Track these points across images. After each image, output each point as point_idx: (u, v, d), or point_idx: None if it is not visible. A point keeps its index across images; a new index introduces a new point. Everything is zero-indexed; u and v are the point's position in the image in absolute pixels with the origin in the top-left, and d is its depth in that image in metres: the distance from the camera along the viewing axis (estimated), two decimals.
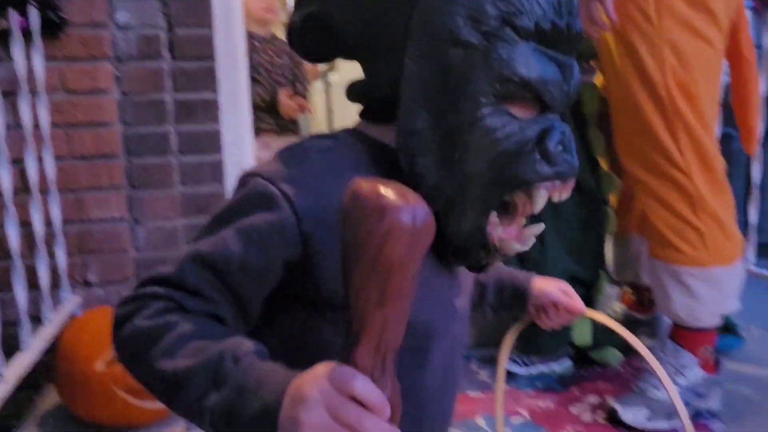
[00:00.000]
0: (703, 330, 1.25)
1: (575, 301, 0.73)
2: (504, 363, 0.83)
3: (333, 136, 0.55)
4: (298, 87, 2.36)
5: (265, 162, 0.53)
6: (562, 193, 0.52)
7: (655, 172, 1.21)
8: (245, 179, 0.50)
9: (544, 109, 0.50)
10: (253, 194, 0.49)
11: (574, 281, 1.46)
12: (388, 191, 0.35)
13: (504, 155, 0.49)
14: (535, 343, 1.46)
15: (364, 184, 0.36)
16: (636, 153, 1.23)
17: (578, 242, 1.47)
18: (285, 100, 2.19)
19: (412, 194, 0.36)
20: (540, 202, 0.52)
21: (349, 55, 0.56)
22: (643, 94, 1.18)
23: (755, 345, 1.63)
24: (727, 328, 1.62)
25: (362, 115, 0.56)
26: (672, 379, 1.24)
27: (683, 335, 1.27)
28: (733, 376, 1.46)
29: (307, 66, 2.51)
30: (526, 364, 1.45)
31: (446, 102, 0.49)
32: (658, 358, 1.27)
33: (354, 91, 0.55)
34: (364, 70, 0.55)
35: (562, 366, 1.47)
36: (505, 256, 0.56)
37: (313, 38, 0.56)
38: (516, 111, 0.49)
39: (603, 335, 1.62)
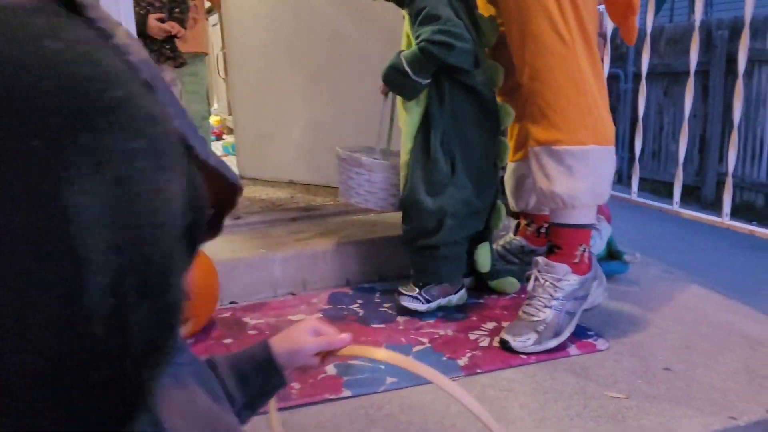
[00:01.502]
0: (579, 227, 1.33)
1: (332, 336, 0.66)
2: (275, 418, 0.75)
3: None
4: (176, 12, 2.32)
5: None
6: None
7: (542, 48, 1.26)
8: None
9: None
10: None
11: (472, 210, 1.49)
12: None
13: None
14: (436, 272, 1.48)
15: None
16: (525, 34, 1.28)
17: (482, 172, 1.50)
18: (153, 22, 2.16)
19: None
20: None
21: None
22: None
23: (637, 268, 1.75)
24: (613, 255, 1.74)
25: None
26: (550, 294, 1.30)
27: (562, 234, 1.33)
28: (617, 296, 1.57)
29: None
30: (427, 300, 1.47)
31: None
32: (535, 279, 1.34)
33: None
34: None
35: (459, 296, 1.51)
36: None
37: None
38: None
39: (500, 265, 1.69)
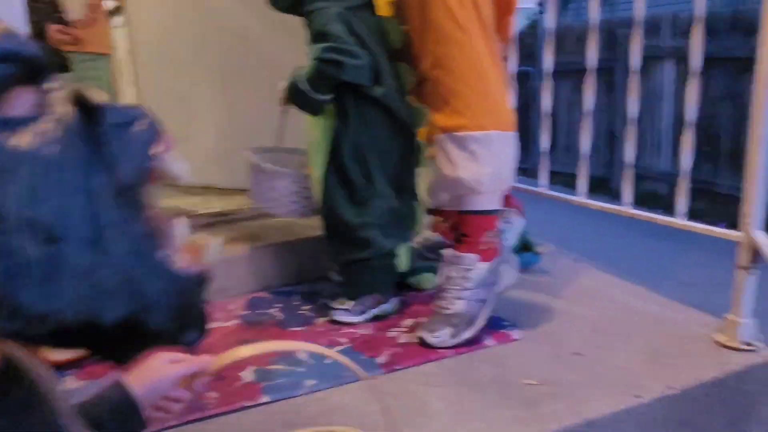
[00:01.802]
0: (485, 213, 1.35)
1: (192, 359, 0.64)
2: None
3: None
4: (63, 17, 2.24)
5: None
6: None
7: (442, 36, 1.29)
8: None
9: None
10: None
11: (396, 216, 1.50)
12: None
13: None
14: (369, 284, 1.47)
15: None
16: (425, 23, 1.31)
17: (399, 176, 1.50)
18: (54, 33, 2.08)
19: None
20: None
21: None
22: None
23: (548, 259, 1.81)
24: (526, 247, 1.79)
25: None
26: (460, 286, 1.33)
27: (468, 221, 1.36)
28: (531, 287, 1.62)
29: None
30: (361, 312, 1.45)
31: None
32: (445, 272, 1.35)
33: None
34: None
35: (392, 305, 1.50)
36: None
37: None
38: None
39: (418, 262, 1.70)
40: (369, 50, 1.41)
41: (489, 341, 1.33)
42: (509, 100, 1.37)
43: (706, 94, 4.66)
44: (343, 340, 1.36)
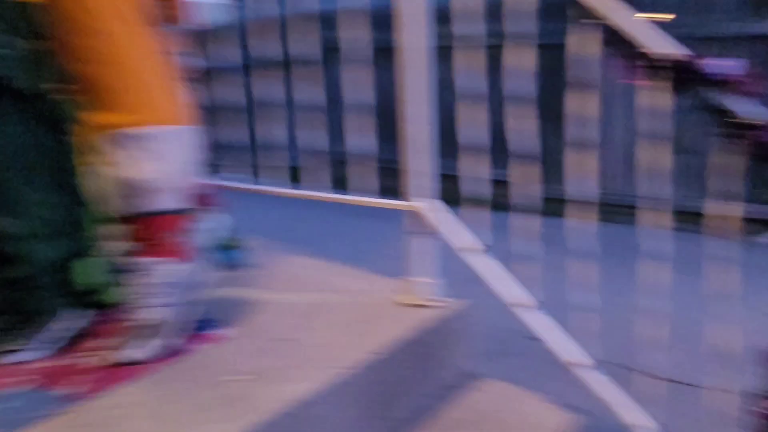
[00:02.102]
0: (165, 213, 1.28)
1: None
2: None
3: None
4: None
5: None
6: None
7: (80, 29, 1.19)
8: None
9: None
10: None
11: (61, 225, 1.33)
12: None
13: None
14: (36, 306, 1.30)
15: None
16: (62, 15, 1.20)
17: (58, 181, 1.34)
18: None
19: None
20: None
21: None
22: None
23: (257, 253, 1.82)
24: (233, 244, 1.77)
25: None
26: (150, 293, 1.25)
27: (147, 224, 1.28)
28: (241, 283, 1.61)
29: None
30: (45, 342, 1.28)
31: None
32: (132, 282, 1.26)
33: None
34: None
35: (76, 327, 1.34)
36: None
37: None
38: None
39: (110, 276, 1.56)
40: (9, 41, 1.23)
41: (198, 345, 1.28)
42: (176, 92, 1.31)
43: (384, 82, 5.16)
44: (23, 378, 1.18)
